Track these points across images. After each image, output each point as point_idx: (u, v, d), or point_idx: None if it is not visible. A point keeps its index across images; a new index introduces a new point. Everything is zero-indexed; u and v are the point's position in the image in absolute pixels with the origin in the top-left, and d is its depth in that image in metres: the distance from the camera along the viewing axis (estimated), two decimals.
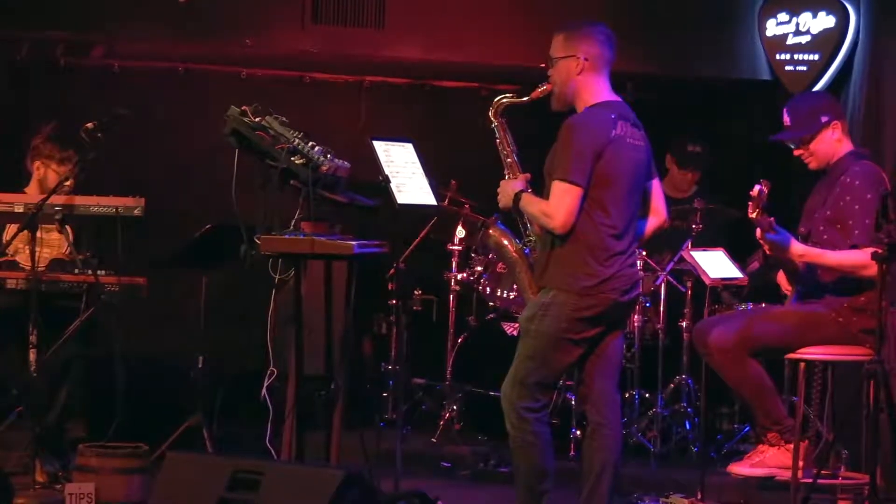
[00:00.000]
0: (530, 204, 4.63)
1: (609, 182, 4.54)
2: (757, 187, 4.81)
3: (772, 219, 4.86)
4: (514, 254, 4.85)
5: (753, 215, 4.83)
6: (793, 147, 5.15)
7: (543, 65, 4.75)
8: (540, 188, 4.65)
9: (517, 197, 4.63)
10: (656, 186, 4.77)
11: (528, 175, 4.73)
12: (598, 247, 4.54)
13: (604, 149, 4.51)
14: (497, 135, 4.83)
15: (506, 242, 4.85)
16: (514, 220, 4.85)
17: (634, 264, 4.71)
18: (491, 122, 4.83)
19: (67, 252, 5.65)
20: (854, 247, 4.87)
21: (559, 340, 4.57)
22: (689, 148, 7.18)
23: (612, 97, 4.68)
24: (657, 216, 4.77)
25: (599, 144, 4.51)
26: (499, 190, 4.73)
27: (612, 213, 4.55)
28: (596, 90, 4.66)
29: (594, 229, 4.53)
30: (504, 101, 4.82)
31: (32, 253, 5.33)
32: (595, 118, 4.59)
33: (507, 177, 4.79)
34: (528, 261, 4.80)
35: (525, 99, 4.79)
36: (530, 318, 4.62)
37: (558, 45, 4.70)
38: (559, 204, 4.50)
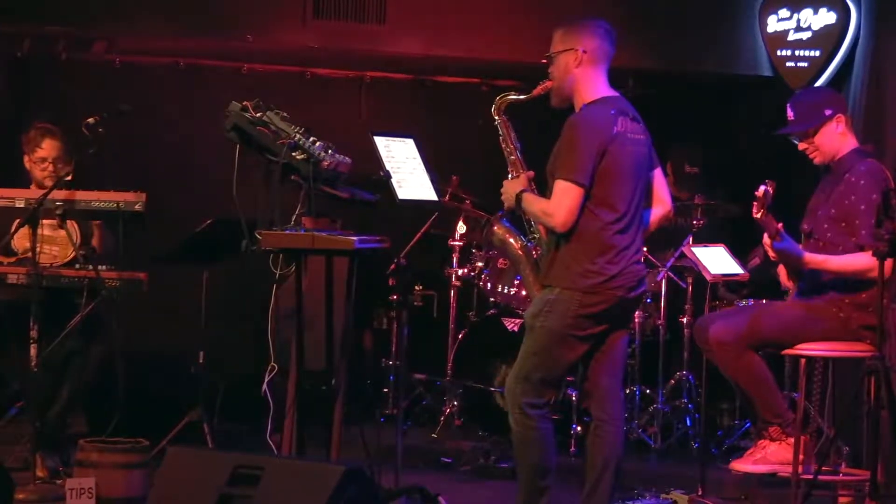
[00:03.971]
0: (531, 204, 4.63)
1: (613, 179, 4.53)
2: (762, 188, 4.79)
3: (780, 224, 4.86)
4: (518, 251, 4.84)
5: (758, 216, 4.82)
6: (797, 141, 5.15)
7: (545, 60, 4.74)
8: (543, 186, 4.65)
9: (518, 198, 4.63)
10: (659, 176, 4.76)
11: (531, 173, 4.73)
12: (604, 245, 4.53)
13: (606, 147, 4.50)
14: (500, 132, 4.83)
15: (510, 239, 4.85)
16: (519, 216, 4.85)
17: (640, 261, 4.70)
18: (494, 119, 4.83)
19: (71, 254, 5.65)
20: (860, 248, 4.86)
21: (564, 337, 4.57)
22: (686, 169, 7.19)
23: (611, 92, 4.67)
24: (662, 206, 4.76)
25: (602, 142, 4.50)
26: (502, 190, 4.73)
27: (618, 209, 4.55)
28: (594, 85, 4.65)
29: (600, 227, 4.53)
30: (507, 98, 4.82)
31: (33, 248, 5.33)
32: (596, 116, 4.57)
33: (510, 175, 4.79)
34: (532, 258, 4.80)
35: (526, 96, 4.79)
36: (535, 314, 4.62)
37: (557, 40, 4.69)
38: (560, 203, 4.49)
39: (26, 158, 5.93)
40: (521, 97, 4.80)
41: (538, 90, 4.75)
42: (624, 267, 4.55)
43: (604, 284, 4.53)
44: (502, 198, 4.72)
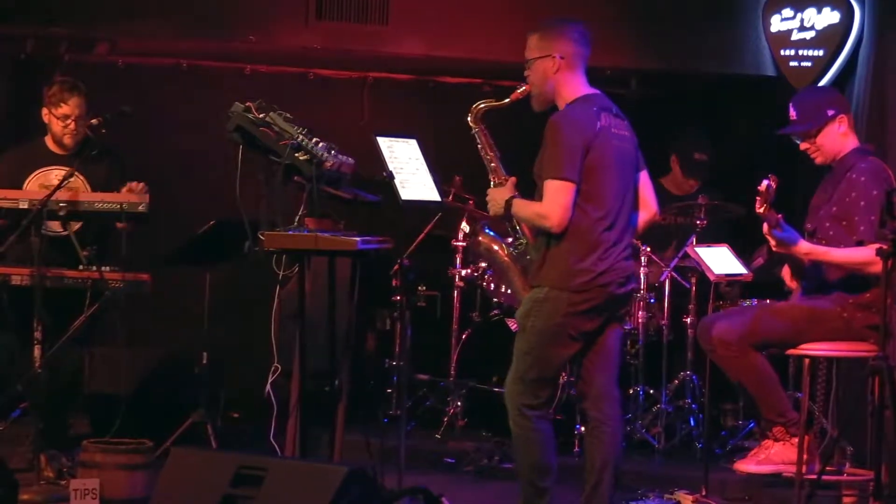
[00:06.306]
0: (522, 208, 4.62)
1: (599, 174, 4.53)
2: (765, 182, 4.79)
3: (780, 215, 4.86)
4: (505, 258, 4.86)
5: (761, 210, 4.82)
6: (799, 141, 5.14)
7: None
8: (526, 190, 4.65)
9: (508, 203, 4.62)
10: (644, 179, 4.76)
11: (514, 179, 4.73)
12: (593, 242, 4.53)
13: (591, 142, 4.51)
14: (478, 141, 4.84)
15: (496, 247, 4.86)
16: (500, 224, 4.85)
17: (629, 257, 4.69)
18: (471, 128, 4.83)
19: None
20: (860, 243, 4.86)
21: (556, 335, 4.57)
22: (695, 156, 7.18)
23: (591, 90, 4.68)
24: (647, 209, 4.77)
25: (586, 138, 4.51)
26: (488, 198, 4.73)
27: (605, 204, 4.55)
28: (574, 86, 4.66)
29: (588, 224, 4.53)
30: (482, 106, 4.83)
31: (38, 251, 5.33)
32: (578, 113, 4.59)
33: (492, 182, 4.79)
34: (519, 264, 4.80)
35: (505, 102, 4.80)
36: (526, 314, 4.62)
37: (533, 46, 4.71)
38: (553, 202, 4.49)
39: (45, 111, 5.91)
40: (498, 104, 4.80)
41: (515, 95, 4.77)
42: (612, 263, 4.55)
43: (592, 282, 4.53)
44: (488, 205, 4.71)
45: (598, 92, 4.69)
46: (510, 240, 4.93)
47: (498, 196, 4.68)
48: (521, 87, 4.75)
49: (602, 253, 4.54)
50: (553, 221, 4.50)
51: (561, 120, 4.57)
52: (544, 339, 4.58)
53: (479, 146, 4.83)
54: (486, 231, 4.89)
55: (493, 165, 4.80)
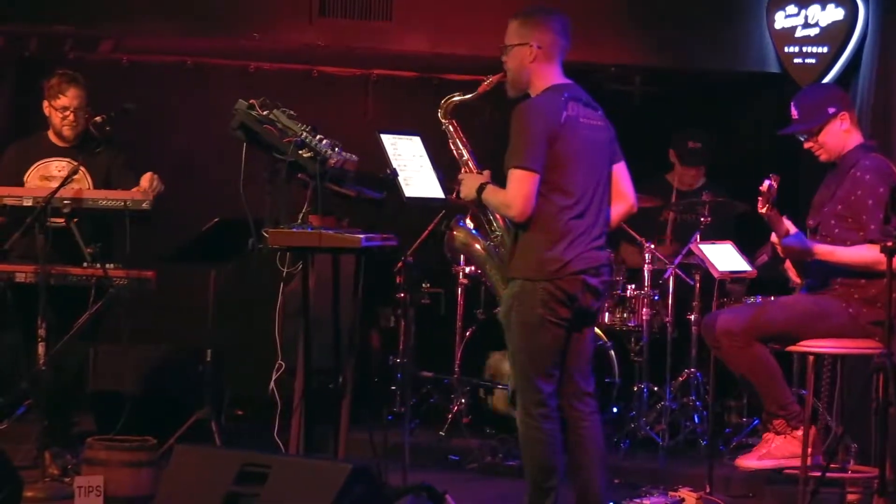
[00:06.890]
0: (492, 196, 4.59)
1: (566, 163, 4.50)
2: (766, 182, 4.79)
3: (784, 217, 4.85)
4: (482, 251, 4.85)
5: (763, 210, 4.81)
6: (802, 140, 5.14)
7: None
8: (499, 183, 4.64)
9: (481, 188, 4.61)
10: (621, 170, 4.72)
11: (488, 171, 4.72)
12: (561, 230, 4.50)
13: (556, 131, 4.48)
14: (449, 135, 4.83)
15: (474, 243, 4.86)
16: (476, 217, 4.85)
17: (602, 247, 4.64)
18: (441, 123, 4.82)
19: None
20: (870, 242, 4.85)
21: (539, 324, 4.53)
22: (689, 145, 7.18)
23: (564, 80, 4.65)
24: (624, 201, 4.73)
25: (551, 127, 4.48)
26: (462, 181, 4.71)
27: (573, 194, 4.52)
28: (547, 76, 4.63)
29: (555, 213, 4.50)
30: (452, 100, 4.82)
31: (42, 248, 5.33)
32: (544, 102, 4.57)
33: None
34: (496, 257, 4.79)
35: (472, 95, 4.79)
36: (507, 311, 4.60)
37: (512, 33, 4.68)
38: (516, 192, 4.47)
39: (45, 104, 5.91)
40: (467, 97, 4.80)
41: (484, 87, 4.77)
42: (581, 251, 4.52)
43: (563, 269, 4.49)
44: (461, 189, 4.69)
45: (569, 82, 4.66)
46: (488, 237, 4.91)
47: (472, 181, 4.66)
48: (489, 78, 4.74)
49: (570, 241, 4.50)
50: (515, 211, 4.48)
51: (526, 108, 4.55)
52: (528, 331, 4.55)
53: (451, 141, 4.83)
54: (461, 225, 4.88)
55: (466, 159, 4.80)
